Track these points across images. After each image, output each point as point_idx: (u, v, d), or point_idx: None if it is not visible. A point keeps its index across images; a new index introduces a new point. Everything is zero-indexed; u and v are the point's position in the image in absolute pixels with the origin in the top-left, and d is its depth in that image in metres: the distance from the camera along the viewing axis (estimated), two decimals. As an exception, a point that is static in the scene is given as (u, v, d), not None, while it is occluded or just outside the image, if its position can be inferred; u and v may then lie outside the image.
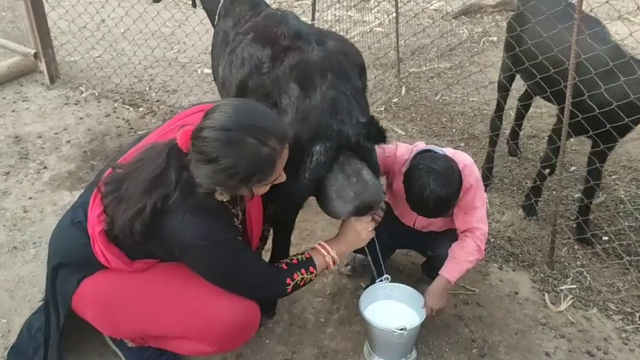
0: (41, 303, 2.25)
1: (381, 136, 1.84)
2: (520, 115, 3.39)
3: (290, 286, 1.84)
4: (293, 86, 1.79)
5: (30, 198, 3.03)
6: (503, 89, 3.12)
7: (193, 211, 1.65)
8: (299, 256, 1.91)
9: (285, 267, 1.87)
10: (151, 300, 1.86)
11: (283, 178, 1.72)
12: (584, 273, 2.59)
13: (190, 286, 1.82)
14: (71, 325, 2.00)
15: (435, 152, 2.11)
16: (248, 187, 1.66)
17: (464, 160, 2.12)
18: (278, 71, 1.81)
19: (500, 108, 3.18)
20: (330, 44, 1.85)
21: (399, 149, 2.21)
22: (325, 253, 1.91)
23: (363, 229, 1.97)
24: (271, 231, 2.21)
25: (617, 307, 2.42)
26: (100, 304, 1.88)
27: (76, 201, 1.97)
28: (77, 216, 1.85)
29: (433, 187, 1.95)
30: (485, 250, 2.23)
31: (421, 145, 2.17)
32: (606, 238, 2.80)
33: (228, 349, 2.04)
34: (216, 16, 2.38)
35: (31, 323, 2.15)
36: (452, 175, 2.01)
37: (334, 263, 1.94)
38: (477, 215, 2.13)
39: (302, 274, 1.85)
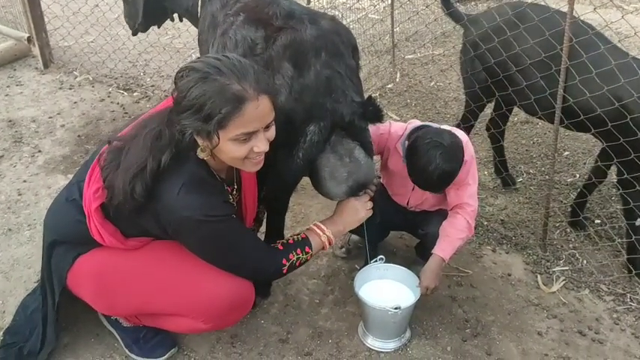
0: (36, 284, 2.27)
1: (378, 116, 1.84)
2: (498, 140, 3.03)
3: (286, 267, 1.85)
4: (287, 66, 1.78)
5: (24, 181, 3.03)
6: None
7: (188, 185, 1.64)
8: (295, 237, 1.92)
9: (280, 247, 1.88)
10: (146, 277, 1.87)
11: (263, 145, 1.63)
12: (577, 255, 2.61)
13: (186, 263, 1.83)
14: (67, 306, 2.01)
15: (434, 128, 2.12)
16: (215, 130, 1.56)
17: (461, 136, 2.14)
18: (271, 51, 1.80)
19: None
20: (324, 23, 1.84)
21: (393, 126, 2.22)
22: (321, 233, 1.92)
23: (362, 208, 1.98)
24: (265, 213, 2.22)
25: (609, 289, 2.45)
26: (95, 282, 1.89)
27: (71, 179, 1.97)
28: (72, 193, 1.85)
29: (439, 162, 1.95)
30: (475, 227, 2.25)
31: (416, 122, 2.18)
32: (598, 221, 2.82)
33: (223, 326, 2.04)
34: (199, 3, 2.34)
35: (27, 304, 2.15)
36: (457, 150, 2.02)
37: (330, 243, 1.95)
38: (469, 191, 2.14)
39: (297, 254, 1.86)
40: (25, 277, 2.40)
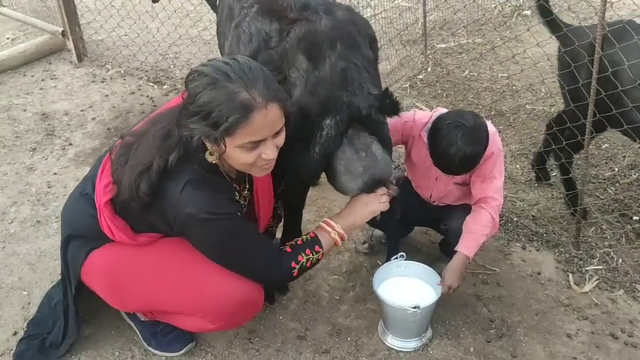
0: (61, 276, 2.30)
1: (395, 109, 1.78)
2: (549, 144, 2.81)
3: (296, 269, 1.81)
4: (301, 58, 1.74)
5: (54, 174, 3.09)
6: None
7: (192, 182, 1.63)
8: (304, 237, 1.88)
9: (289, 250, 1.84)
10: (156, 275, 1.87)
11: (272, 152, 1.62)
12: (612, 254, 2.49)
13: (196, 262, 1.81)
14: (88, 299, 2.03)
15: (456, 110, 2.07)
16: (222, 136, 1.55)
17: (488, 127, 2.06)
18: (286, 44, 1.76)
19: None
20: (339, 14, 1.79)
21: (417, 114, 2.17)
22: (330, 230, 1.87)
23: (374, 201, 1.90)
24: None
25: (645, 289, 2.33)
26: (107, 277, 1.90)
27: (87, 173, 1.98)
28: (86, 188, 1.86)
29: (460, 144, 1.89)
30: (504, 223, 2.17)
31: (441, 110, 2.11)
32: (636, 217, 2.68)
33: (231, 326, 2.04)
34: None
35: (51, 296, 2.19)
36: (480, 132, 1.95)
37: (342, 239, 1.89)
38: (494, 185, 2.07)
39: (307, 255, 1.82)
40: (50, 269, 2.44)
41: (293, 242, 1.87)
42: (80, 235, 1.89)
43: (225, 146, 1.57)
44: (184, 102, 1.60)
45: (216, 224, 1.67)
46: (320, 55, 1.73)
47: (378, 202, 1.92)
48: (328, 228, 1.88)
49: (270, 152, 1.61)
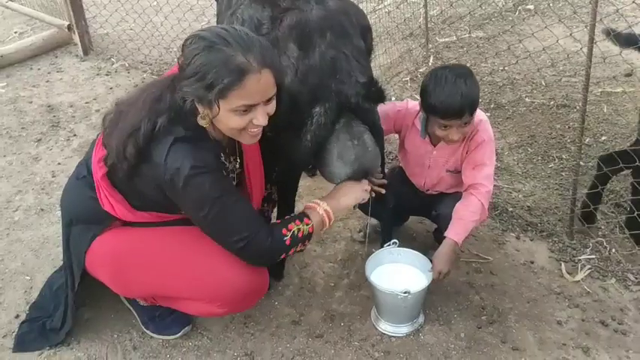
0: (62, 262, 2.36)
1: (380, 96, 1.82)
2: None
3: (287, 237, 1.81)
4: (292, 47, 1.77)
5: (59, 164, 3.15)
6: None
7: (179, 140, 1.66)
8: (292, 214, 1.92)
9: (278, 222, 1.88)
10: (162, 261, 1.90)
11: (263, 119, 1.64)
12: (604, 243, 2.51)
13: (201, 248, 1.84)
14: (88, 282, 2.07)
15: None
16: (216, 98, 1.58)
17: (480, 114, 2.12)
18: (277, 32, 1.80)
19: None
20: (331, 3, 1.82)
21: (410, 103, 2.22)
22: (316, 206, 1.90)
23: (358, 189, 1.93)
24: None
25: (637, 278, 2.34)
26: (112, 264, 1.93)
27: (81, 159, 2.03)
28: (81, 172, 1.91)
29: (450, 77, 1.98)
30: (495, 213, 2.20)
31: None
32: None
33: (238, 310, 2.07)
34: None
35: (53, 281, 2.25)
36: (466, 69, 2.08)
37: (330, 218, 1.91)
38: (484, 172, 2.11)
39: (297, 225, 1.83)
40: (53, 255, 2.50)
41: (281, 219, 1.91)
42: (81, 220, 1.93)
43: (219, 108, 1.60)
44: (180, 65, 1.64)
45: (201, 178, 1.66)
46: (310, 43, 1.76)
47: (361, 191, 1.94)
48: (314, 205, 1.91)
49: (261, 118, 1.64)
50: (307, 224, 1.86)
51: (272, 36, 1.81)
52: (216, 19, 2.45)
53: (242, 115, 1.63)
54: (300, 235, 1.84)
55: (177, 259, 1.89)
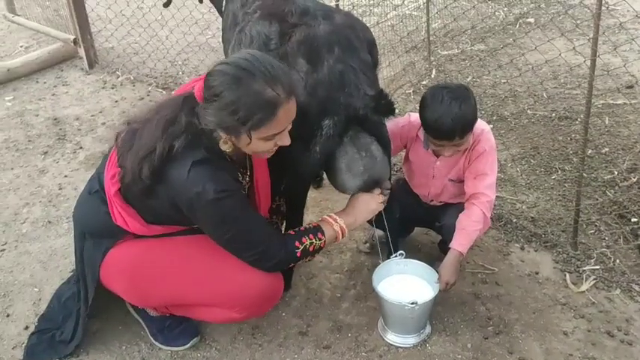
0: (71, 274, 2.38)
1: (390, 109, 1.85)
2: None
3: (299, 250, 1.86)
4: (301, 61, 1.81)
5: (65, 176, 3.17)
6: None
7: (198, 164, 1.69)
8: (307, 225, 1.95)
9: (292, 233, 1.91)
10: (181, 270, 1.92)
11: (287, 140, 1.71)
12: (609, 254, 2.52)
13: (218, 254, 1.86)
14: (97, 294, 2.08)
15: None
16: (247, 131, 1.64)
17: (481, 125, 2.15)
18: (287, 47, 1.83)
19: None
20: (337, 19, 1.86)
21: (412, 116, 2.25)
22: (333, 222, 1.94)
23: (372, 200, 1.98)
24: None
25: (642, 289, 2.36)
26: (128, 276, 1.95)
27: (93, 173, 2.05)
28: (94, 186, 1.93)
29: (447, 99, 1.99)
30: (499, 224, 2.22)
31: None
32: (635, 219, 2.71)
33: (255, 315, 2.09)
34: (223, 2, 2.41)
35: (61, 293, 2.26)
36: (465, 91, 2.06)
37: (343, 234, 1.96)
38: (486, 181, 2.13)
39: (310, 239, 1.87)
40: (61, 267, 2.52)
41: (296, 229, 1.94)
42: (94, 233, 1.95)
43: (251, 139, 1.66)
44: (206, 97, 1.67)
45: (223, 202, 1.70)
46: (319, 58, 1.80)
47: (375, 202, 1.99)
48: (331, 220, 1.95)
49: (286, 140, 1.73)
50: (320, 239, 1.90)
51: (281, 51, 1.84)
52: (222, 35, 2.49)
53: (270, 140, 1.70)
54: (311, 249, 1.89)
55: (195, 267, 1.92)
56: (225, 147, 1.74)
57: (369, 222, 2.18)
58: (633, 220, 2.72)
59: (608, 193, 2.88)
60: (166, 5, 3.13)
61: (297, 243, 1.86)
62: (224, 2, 2.40)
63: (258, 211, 1.98)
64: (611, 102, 3.69)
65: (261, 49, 1.88)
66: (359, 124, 1.87)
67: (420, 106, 2.10)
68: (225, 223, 1.76)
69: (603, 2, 2.17)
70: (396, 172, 3.08)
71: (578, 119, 3.54)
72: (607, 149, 3.27)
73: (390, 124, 2.13)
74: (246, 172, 1.93)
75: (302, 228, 1.93)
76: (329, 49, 1.79)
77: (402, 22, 4.61)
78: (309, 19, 1.84)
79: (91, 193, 1.94)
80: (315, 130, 1.84)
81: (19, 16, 5.01)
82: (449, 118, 1.98)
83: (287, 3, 1.93)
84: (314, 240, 1.88)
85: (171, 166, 1.70)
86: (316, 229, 1.92)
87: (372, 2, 5.19)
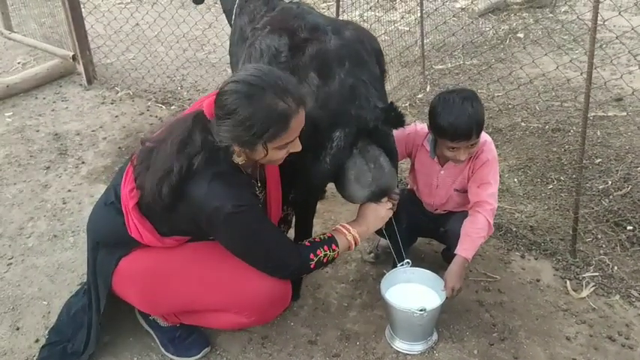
0: (79, 287, 2.39)
1: (400, 121, 1.90)
2: None
3: (314, 262, 1.90)
4: (312, 75, 1.86)
5: (69, 191, 3.19)
6: None
7: (217, 179, 1.73)
8: (321, 236, 1.98)
9: (307, 244, 1.95)
10: (192, 276, 1.95)
11: (298, 147, 1.77)
12: (607, 261, 2.59)
13: (228, 259, 1.90)
14: (108, 306, 2.10)
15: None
16: (263, 143, 1.71)
17: (484, 136, 2.22)
18: (299, 61, 1.88)
19: None
20: (347, 33, 1.92)
21: (418, 125, 2.33)
22: (346, 232, 1.98)
23: (381, 208, 2.04)
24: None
25: (640, 294, 2.43)
26: (141, 283, 1.98)
27: (109, 184, 2.09)
28: (110, 197, 1.96)
29: (458, 100, 2.07)
30: (499, 233, 2.28)
31: None
32: (630, 227, 2.79)
33: (264, 320, 2.12)
34: (233, 15, 2.47)
35: (70, 305, 2.27)
36: (472, 93, 2.14)
37: (356, 244, 2.00)
38: (489, 190, 2.20)
39: (325, 251, 1.92)
40: (68, 280, 2.53)
41: (311, 239, 1.98)
42: (108, 243, 1.98)
43: (267, 151, 1.73)
44: (219, 115, 1.72)
45: (241, 216, 1.75)
46: (330, 72, 1.85)
47: (384, 209, 2.05)
48: (345, 231, 1.99)
49: (297, 146, 1.79)
50: (334, 250, 1.95)
51: (291, 64, 1.89)
52: (228, 47, 2.55)
53: (283, 149, 1.76)
54: (325, 260, 1.93)
55: (205, 272, 1.96)
56: (239, 159, 1.79)
57: (378, 232, 2.23)
58: (629, 227, 2.80)
59: (604, 202, 2.96)
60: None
61: (311, 255, 1.90)
62: (234, 16, 2.46)
63: (272, 221, 2.02)
64: (602, 114, 3.80)
65: (271, 62, 1.94)
66: (367, 136, 1.93)
67: (430, 115, 2.16)
68: (243, 237, 1.81)
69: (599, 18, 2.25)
70: (401, 181, 3.14)
71: (570, 131, 3.64)
72: (600, 160, 3.37)
73: (397, 131, 2.20)
74: (259, 183, 1.98)
75: (317, 239, 1.97)
76: (340, 63, 1.85)
77: (399, 37, 4.70)
78: (319, 35, 1.90)
79: (107, 204, 1.97)
80: (325, 142, 1.89)
81: (15, 32, 5.04)
82: (464, 117, 2.05)
83: (296, 19, 1.98)
84: (328, 252, 1.93)
85: (191, 183, 1.74)
86: (330, 241, 1.96)
87: (364, 18, 5.30)
